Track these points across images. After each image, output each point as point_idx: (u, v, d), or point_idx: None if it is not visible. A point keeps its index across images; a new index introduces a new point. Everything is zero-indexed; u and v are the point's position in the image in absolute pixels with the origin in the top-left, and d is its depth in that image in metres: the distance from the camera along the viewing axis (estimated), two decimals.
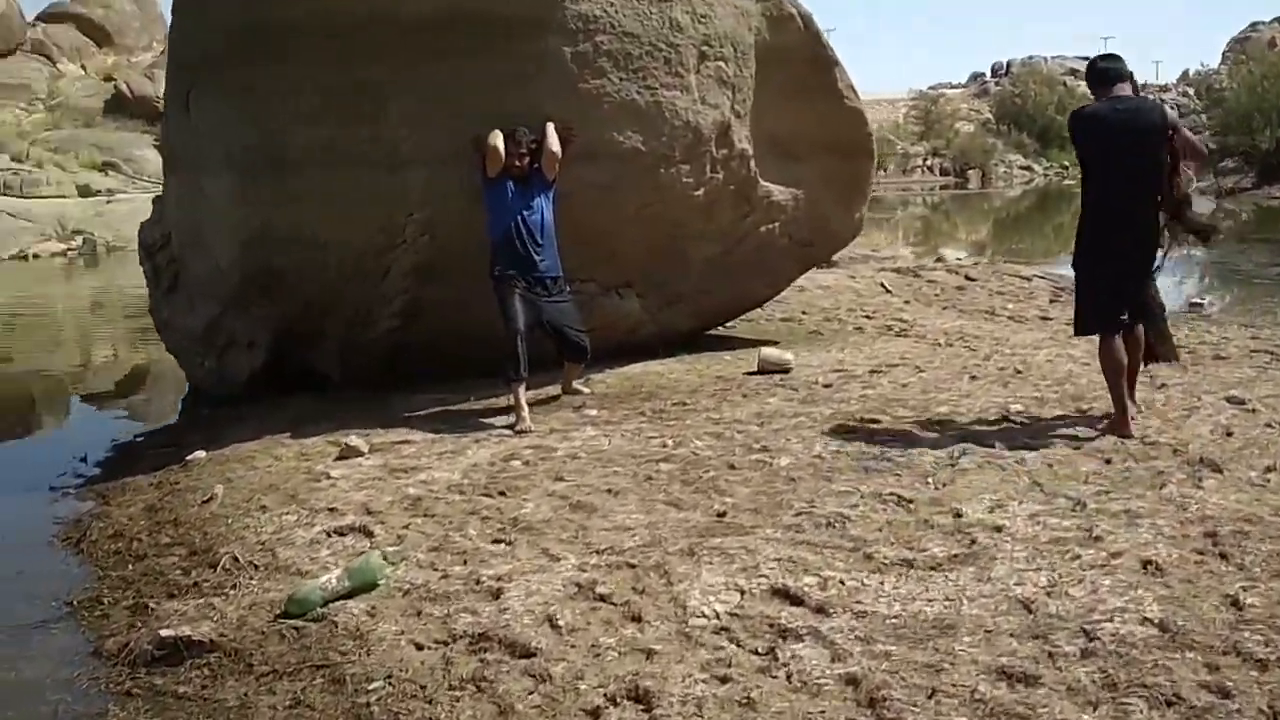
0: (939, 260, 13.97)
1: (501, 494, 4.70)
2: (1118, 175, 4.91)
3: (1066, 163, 44.41)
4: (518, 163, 5.92)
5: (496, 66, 5.97)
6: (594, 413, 5.96)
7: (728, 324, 8.61)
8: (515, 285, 5.91)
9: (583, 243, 6.56)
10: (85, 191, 24.74)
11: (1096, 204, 4.99)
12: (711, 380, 6.76)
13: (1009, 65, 64.09)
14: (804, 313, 10.04)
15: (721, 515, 4.22)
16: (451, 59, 5.94)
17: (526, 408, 5.77)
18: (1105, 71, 5.06)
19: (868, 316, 9.69)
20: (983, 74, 68.80)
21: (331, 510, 4.69)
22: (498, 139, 5.85)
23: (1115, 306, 5.03)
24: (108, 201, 23.98)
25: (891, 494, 4.33)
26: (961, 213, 36.19)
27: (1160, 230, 5.04)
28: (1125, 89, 5.01)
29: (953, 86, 66.74)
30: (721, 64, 6.65)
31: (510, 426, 5.71)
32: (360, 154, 6.14)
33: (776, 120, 7.45)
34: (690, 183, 6.73)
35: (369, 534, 4.39)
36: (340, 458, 5.44)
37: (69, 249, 22.05)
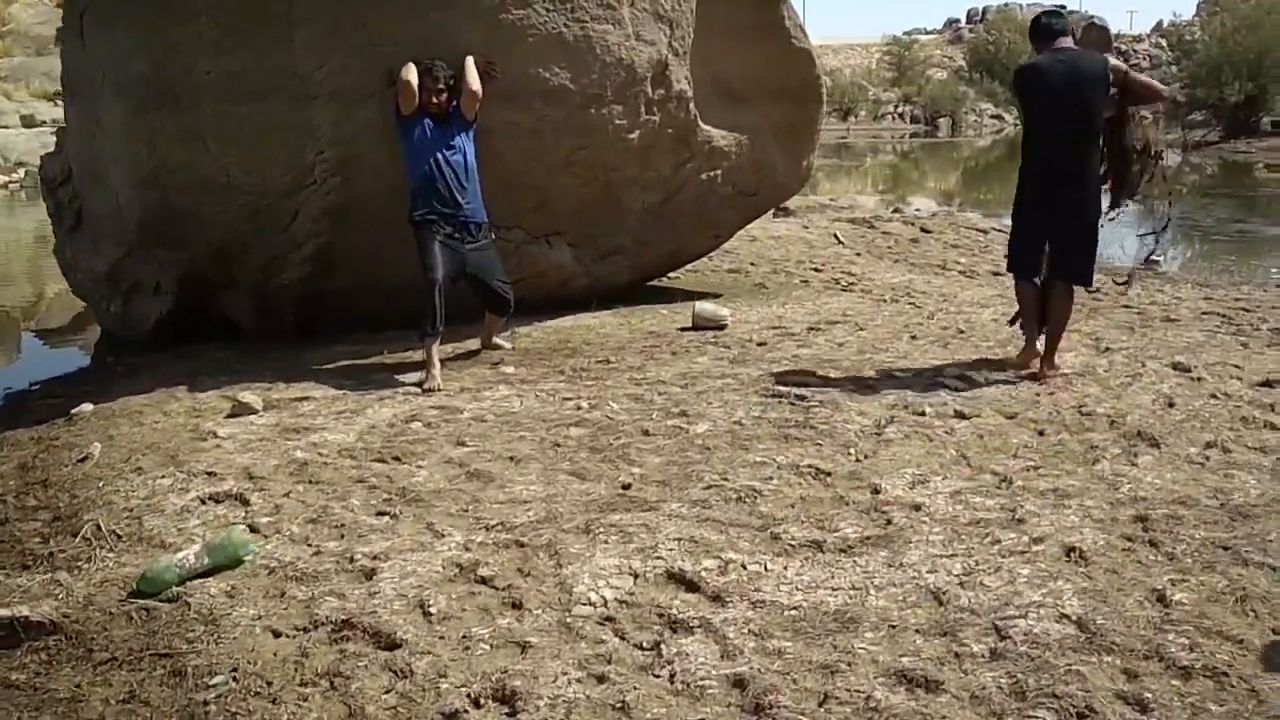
0: (896, 211, 13.65)
1: (395, 459, 4.37)
2: (1054, 125, 4.99)
3: None
4: (435, 99, 5.50)
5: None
6: (511, 370, 5.62)
7: (671, 275, 8.27)
8: (436, 231, 5.52)
9: (508, 188, 6.17)
10: (29, 122, 23.81)
11: (1031, 153, 5.16)
12: (642, 336, 6.43)
13: (984, 12, 63.51)
14: (752, 264, 9.71)
15: (626, 488, 3.91)
16: None
17: (438, 364, 5.42)
18: (1049, 26, 5.15)
19: (816, 269, 9.37)
20: (957, 20, 68.25)
21: (210, 474, 4.34)
22: (410, 73, 5.43)
23: (1033, 253, 5.21)
24: (54, 133, 23.02)
25: (809, 466, 4.04)
26: (930, 161, 35.87)
27: (1098, 181, 5.11)
28: (1067, 43, 5.12)
29: (927, 33, 66.14)
30: None
31: (419, 384, 5.36)
32: (264, 86, 5.69)
33: (720, 61, 7.04)
34: (624, 125, 6.34)
35: (245, 502, 4.05)
36: (232, 415, 5.08)
37: (10, 181, 21.26)
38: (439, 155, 5.50)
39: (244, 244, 6.31)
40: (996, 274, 9.33)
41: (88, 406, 5.51)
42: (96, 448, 4.82)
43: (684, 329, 6.64)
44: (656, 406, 4.85)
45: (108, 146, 6.29)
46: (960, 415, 4.63)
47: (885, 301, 7.64)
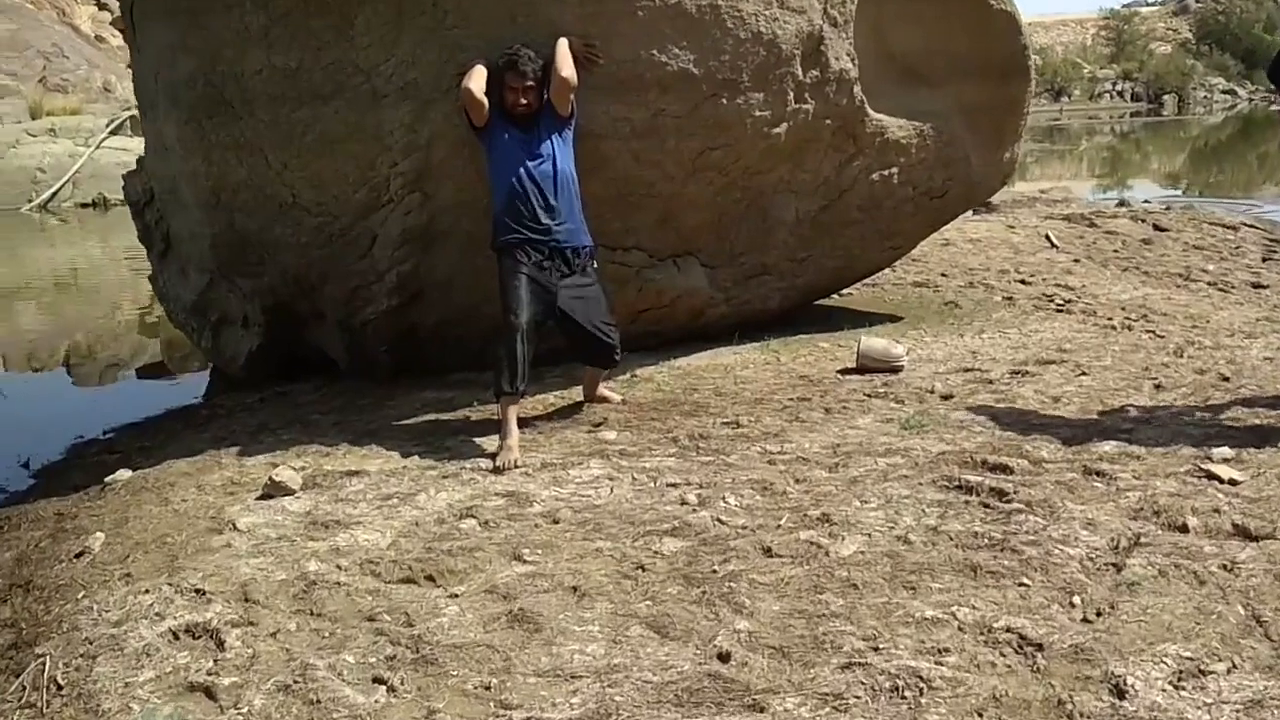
0: (1121, 205, 11.64)
1: (428, 579, 3.23)
2: None
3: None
4: (522, 100, 4.35)
5: None
6: (612, 436, 4.40)
7: (841, 292, 6.89)
8: (522, 262, 4.38)
9: (621, 200, 4.99)
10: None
11: None
12: (789, 383, 5.09)
13: None
14: (943, 275, 8.18)
15: (724, 659, 2.63)
16: None
17: (516, 432, 4.27)
18: None
19: (1023, 281, 7.73)
20: None
21: (199, 592, 3.32)
22: (475, 79, 4.30)
23: None
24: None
25: (1009, 630, 2.64)
26: (1154, 141, 32.58)
27: None
28: None
29: (1148, 4, 61.06)
30: None
31: (493, 456, 4.23)
32: (323, 86, 4.71)
33: (895, 31, 5.62)
34: (767, 117, 5.02)
35: (220, 644, 3.00)
36: (264, 496, 4.09)
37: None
38: (523, 168, 4.36)
39: (321, 273, 5.37)
40: (1258, 286, 7.44)
41: (125, 474, 4.68)
42: (99, 539, 3.92)
43: (846, 371, 5.26)
44: (789, 503, 3.52)
45: (173, 162, 5.48)
46: (1244, 534, 3.10)
47: (1115, 329, 5.99)
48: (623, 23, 4.52)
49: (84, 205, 20.54)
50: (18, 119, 24.62)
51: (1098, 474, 3.63)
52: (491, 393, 4.44)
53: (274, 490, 4.10)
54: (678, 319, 5.64)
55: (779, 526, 3.32)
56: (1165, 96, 44.64)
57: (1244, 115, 39.51)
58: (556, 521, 3.53)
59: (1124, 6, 56.09)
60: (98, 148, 21.92)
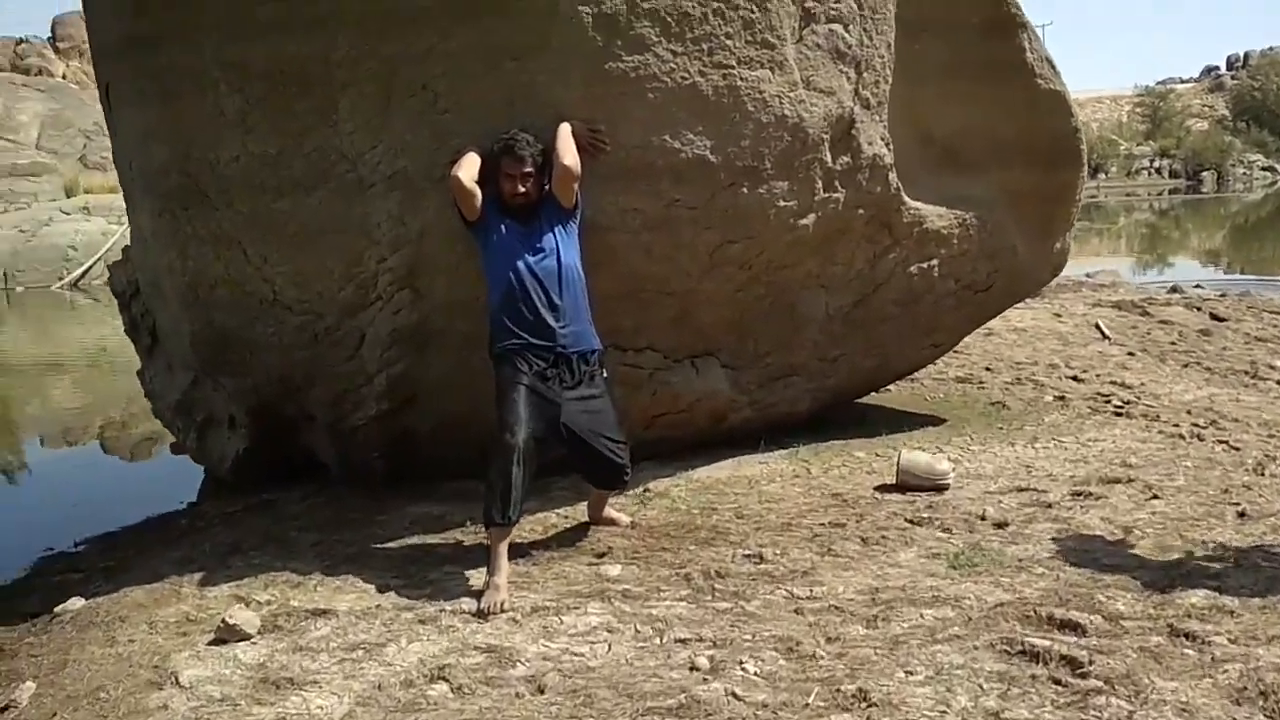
0: (1173, 291, 11.05)
1: None
2: None
3: None
4: (520, 189, 3.91)
5: (487, 37, 3.98)
6: (616, 572, 3.84)
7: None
8: (522, 370, 3.88)
9: (632, 297, 4.52)
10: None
11: None
12: (819, 503, 4.53)
13: (1246, 57, 57.86)
14: (987, 369, 7.61)
15: None
16: (422, 28, 3.99)
17: (505, 568, 3.72)
18: None
19: (1075, 378, 7.15)
20: (1216, 67, 62.69)
21: None
22: (465, 168, 3.87)
23: None
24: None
25: None
26: (1194, 219, 31.99)
27: None
28: None
29: (1183, 81, 60.96)
30: (838, 28, 4.44)
31: (478, 595, 3.69)
32: (305, 175, 4.29)
33: (933, 111, 5.17)
34: (792, 207, 4.55)
35: None
36: (217, 641, 3.57)
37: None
38: (522, 263, 3.90)
39: (307, 375, 4.92)
40: None
41: (77, 603, 4.19)
42: (29, 690, 3.42)
43: (885, 488, 4.70)
44: (819, 672, 2.95)
45: (150, 253, 5.09)
46: None
47: (1183, 438, 5.39)
48: (632, 105, 4.08)
49: None
50: (53, 197, 24.82)
51: (1187, 636, 3.03)
52: (481, 521, 3.92)
53: (227, 634, 3.58)
54: (697, 424, 5.12)
55: (806, 706, 2.75)
56: (1203, 173, 44.08)
57: None
58: (541, 690, 2.97)
59: (1159, 83, 55.93)
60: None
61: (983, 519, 4.17)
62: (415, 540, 4.47)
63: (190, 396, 5.89)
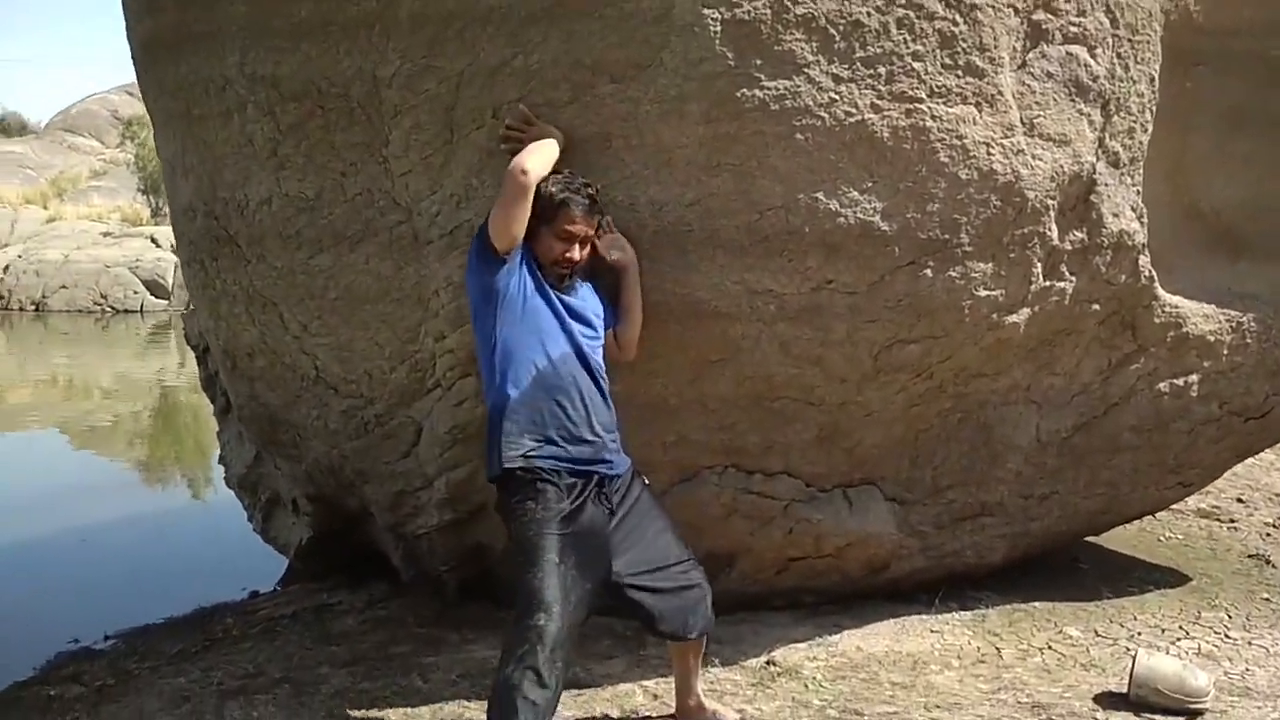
0: None
1: None
2: None
3: None
4: (577, 255, 2.81)
5: (577, 49, 2.91)
6: None
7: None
8: (552, 503, 2.67)
9: (762, 408, 3.34)
10: None
11: None
12: (1014, 713, 3.18)
13: None
14: (1239, 500, 6.04)
15: None
16: (494, 35, 2.96)
17: None
18: None
19: None
20: None
21: None
22: (538, 157, 2.74)
23: None
24: None
25: None
26: None
27: None
28: None
29: None
30: (1079, 50, 3.14)
31: None
32: (349, 223, 3.33)
33: (1206, 174, 3.77)
34: (997, 298, 3.25)
35: None
36: None
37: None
38: (566, 340, 2.77)
39: (357, 470, 3.97)
40: None
41: None
42: None
43: (1112, 698, 3.30)
44: None
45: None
46: None
47: None
48: (773, 149, 2.92)
49: None
50: None
51: None
52: None
53: None
54: (847, 573, 3.86)
55: None
56: None
57: None
58: None
59: None
60: None
61: None
62: (454, 705, 3.40)
63: (255, 472, 5.10)
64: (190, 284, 3.93)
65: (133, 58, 3.75)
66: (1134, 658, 3.35)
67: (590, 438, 2.73)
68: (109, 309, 23.66)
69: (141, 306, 23.70)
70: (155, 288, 23.96)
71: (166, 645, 4.41)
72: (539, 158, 2.73)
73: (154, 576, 6.13)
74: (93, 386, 14.58)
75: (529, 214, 2.71)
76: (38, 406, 12.91)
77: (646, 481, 2.93)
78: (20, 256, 25.07)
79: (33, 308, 23.51)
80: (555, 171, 2.79)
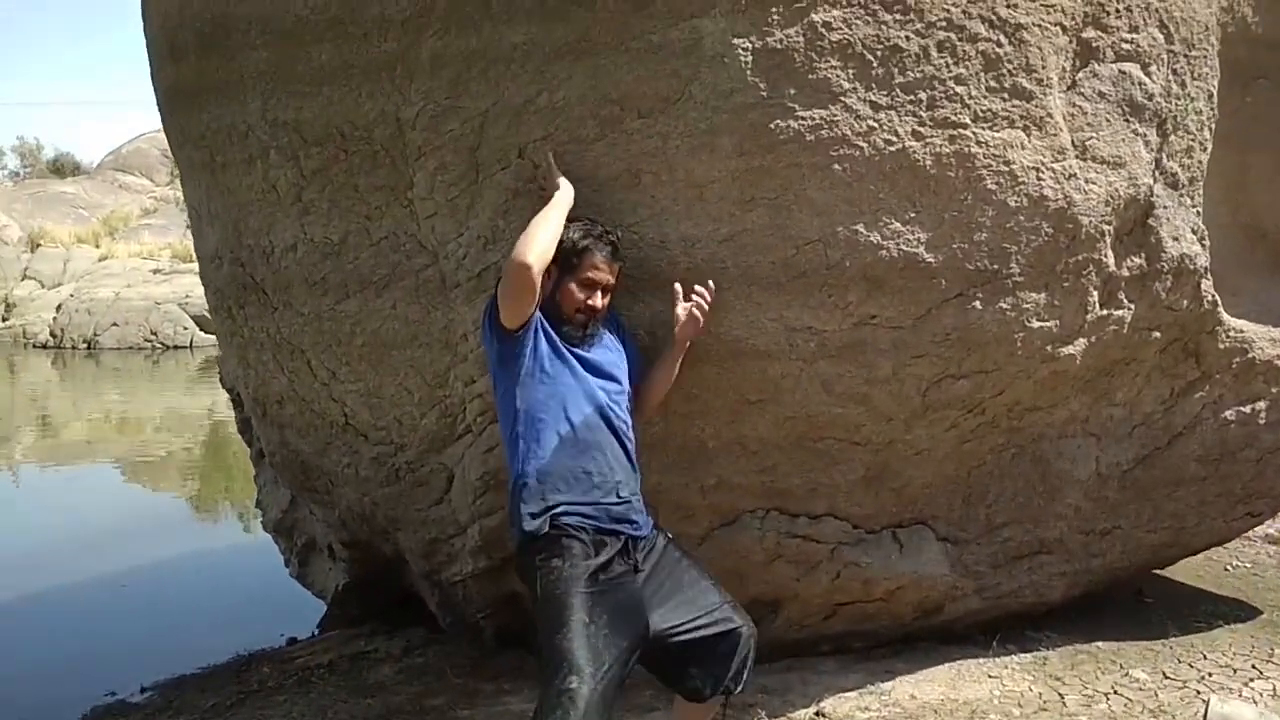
0: None
1: None
2: None
3: None
4: (599, 301, 2.71)
5: (603, 84, 2.80)
6: None
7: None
8: (580, 562, 2.52)
9: (805, 449, 3.19)
10: None
11: None
12: None
13: None
14: None
15: None
16: (517, 73, 2.86)
17: None
18: None
19: None
20: None
21: None
22: (539, 249, 2.59)
23: None
24: None
25: None
26: None
27: None
28: None
29: None
30: (1133, 68, 2.98)
31: None
32: (375, 268, 3.25)
33: (1270, 192, 3.58)
34: (1051, 329, 3.09)
35: None
36: None
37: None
38: (588, 400, 2.65)
39: (389, 517, 3.88)
40: None
41: None
42: None
43: None
44: None
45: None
46: None
47: None
48: (810, 181, 2.79)
49: None
50: None
51: None
52: None
53: None
54: (899, 616, 3.70)
55: None
56: None
57: None
58: None
59: None
60: None
61: None
62: None
63: (291, 517, 5.03)
64: (219, 331, 3.89)
65: (158, 105, 3.72)
66: (1207, 704, 3.16)
67: (615, 500, 2.61)
68: (159, 345, 23.98)
69: (191, 342, 23.99)
70: (204, 323, 24.22)
71: (202, 699, 4.34)
72: (540, 245, 2.59)
73: (196, 618, 6.08)
74: (144, 421, 14.71)
75: (537, 295, 2.61)
76: (92, 441, 13.07)
77: (670, 535, 2.79)
78: (73, 296, 25.53)
79: (84, 345, 23.88)
80: (576, 218, 2.69)
